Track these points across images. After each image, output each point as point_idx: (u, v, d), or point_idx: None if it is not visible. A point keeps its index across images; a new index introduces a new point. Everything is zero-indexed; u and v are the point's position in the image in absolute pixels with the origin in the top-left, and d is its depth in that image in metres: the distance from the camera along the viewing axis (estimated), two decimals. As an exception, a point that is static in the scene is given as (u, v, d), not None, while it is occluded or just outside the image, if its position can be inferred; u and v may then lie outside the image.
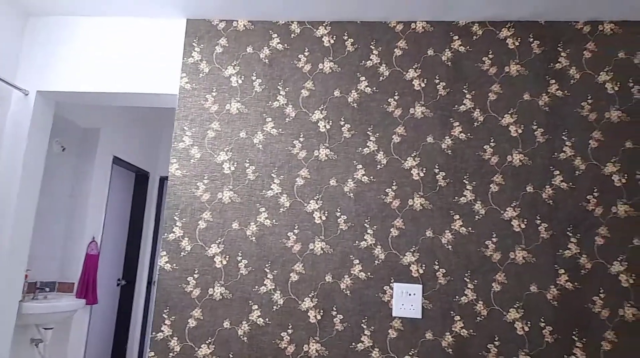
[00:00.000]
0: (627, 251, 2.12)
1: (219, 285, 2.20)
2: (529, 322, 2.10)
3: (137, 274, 4.55)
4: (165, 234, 2.26)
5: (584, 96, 2.29)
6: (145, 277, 4.62)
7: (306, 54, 2.42)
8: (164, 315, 2.17)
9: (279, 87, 2.39)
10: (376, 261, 2.20)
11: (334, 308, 2.16)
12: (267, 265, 2.21)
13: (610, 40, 2.32)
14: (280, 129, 2.35)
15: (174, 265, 2.22)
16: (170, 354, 2.13)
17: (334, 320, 2.15)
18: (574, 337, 2.07)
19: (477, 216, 2.21)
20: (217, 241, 2.24)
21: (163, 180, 4.81)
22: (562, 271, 2.13)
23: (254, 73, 2.42)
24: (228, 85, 2.42)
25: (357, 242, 2.22)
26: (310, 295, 2.18)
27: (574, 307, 2.10)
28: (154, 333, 2.15)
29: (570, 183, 2.21)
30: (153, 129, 4.76)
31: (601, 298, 2.09)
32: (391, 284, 2.17)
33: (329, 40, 2.43)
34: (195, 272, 2.21)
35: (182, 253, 2.23)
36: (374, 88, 2.36)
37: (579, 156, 2.23)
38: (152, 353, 2.13)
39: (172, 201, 2.30)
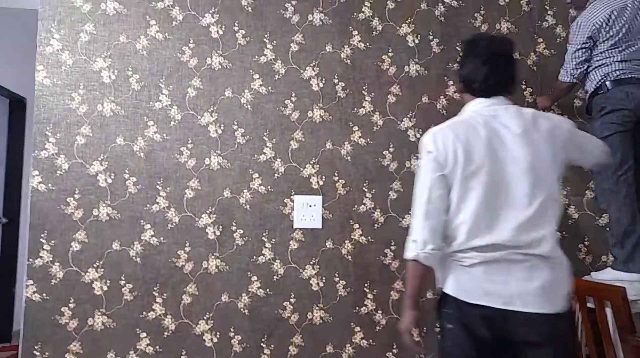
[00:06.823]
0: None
1: (104, 205, 2.01)
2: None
3: (20, 211, 4.12)
4: (37, 151, 1.99)
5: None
6: (29, 214, 4.20)
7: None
8: (41, 239, 1.96)
9: (163, -14, 2.13)
10: (276, 175, 2.15)
11: (234, 224, 2.10)
12: (159, 182, 2.06)
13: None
14: (166, 34, 2.11)
15: (49, 185, 1.99)
16: (52, 280, 1.95)
17: (234, 235, 2.10)
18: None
19: (375, 127, 2.21)
20: (99, 159, 2.03)
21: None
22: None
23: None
24: (102, -19, 2.10)
25: (256, 156, 2.14)
26: (208, 212, 2.09)
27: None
28: (31, 260, 1.94)
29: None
30: (23, 44, 4.13)
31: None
32: (292, 197, 2.15)
33: None
34: (76, 192, 2.00)
35: (59, 172, 2.00)
36: (270, -10, 2.19)
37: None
38: (31, 281, 1.93)
39: (41, 114, 2.02)
